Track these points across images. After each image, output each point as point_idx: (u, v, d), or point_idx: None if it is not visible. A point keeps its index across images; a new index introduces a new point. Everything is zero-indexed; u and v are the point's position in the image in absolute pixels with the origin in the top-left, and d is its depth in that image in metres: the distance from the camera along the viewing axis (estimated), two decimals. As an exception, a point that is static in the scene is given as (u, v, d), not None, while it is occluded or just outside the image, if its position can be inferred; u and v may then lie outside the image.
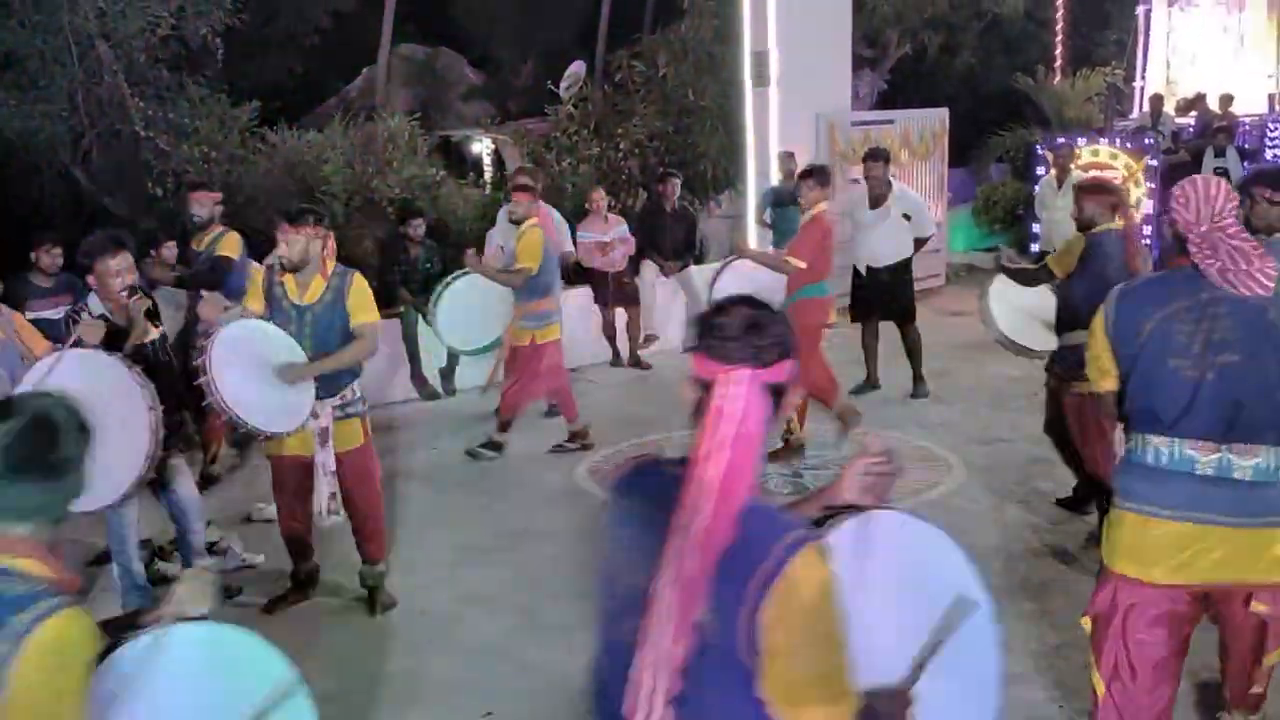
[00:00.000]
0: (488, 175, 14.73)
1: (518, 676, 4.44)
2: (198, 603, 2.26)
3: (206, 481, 6.70)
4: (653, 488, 1.91)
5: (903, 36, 18.04)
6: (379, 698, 4.38)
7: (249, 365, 4.67)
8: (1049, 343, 5.60)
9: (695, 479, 1.77)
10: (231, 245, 6.95)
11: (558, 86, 13.70)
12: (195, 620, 2.25)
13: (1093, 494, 5.58)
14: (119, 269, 4.76)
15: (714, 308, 1.96)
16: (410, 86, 18.78)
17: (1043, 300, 5.68)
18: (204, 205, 7.19)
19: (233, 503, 6.62)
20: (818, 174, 7.20)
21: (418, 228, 8.75)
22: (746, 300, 1.96)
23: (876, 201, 8.37)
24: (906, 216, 8.35)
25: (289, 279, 4.92)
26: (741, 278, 7.18)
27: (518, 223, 7.22)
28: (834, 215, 7.41)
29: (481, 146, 15.88)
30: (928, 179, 11.96)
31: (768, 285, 6.87)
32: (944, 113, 12.40)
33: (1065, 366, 5.27)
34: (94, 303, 4.87)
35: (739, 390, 1.81)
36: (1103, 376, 3.26)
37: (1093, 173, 11.23)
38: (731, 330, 1.87)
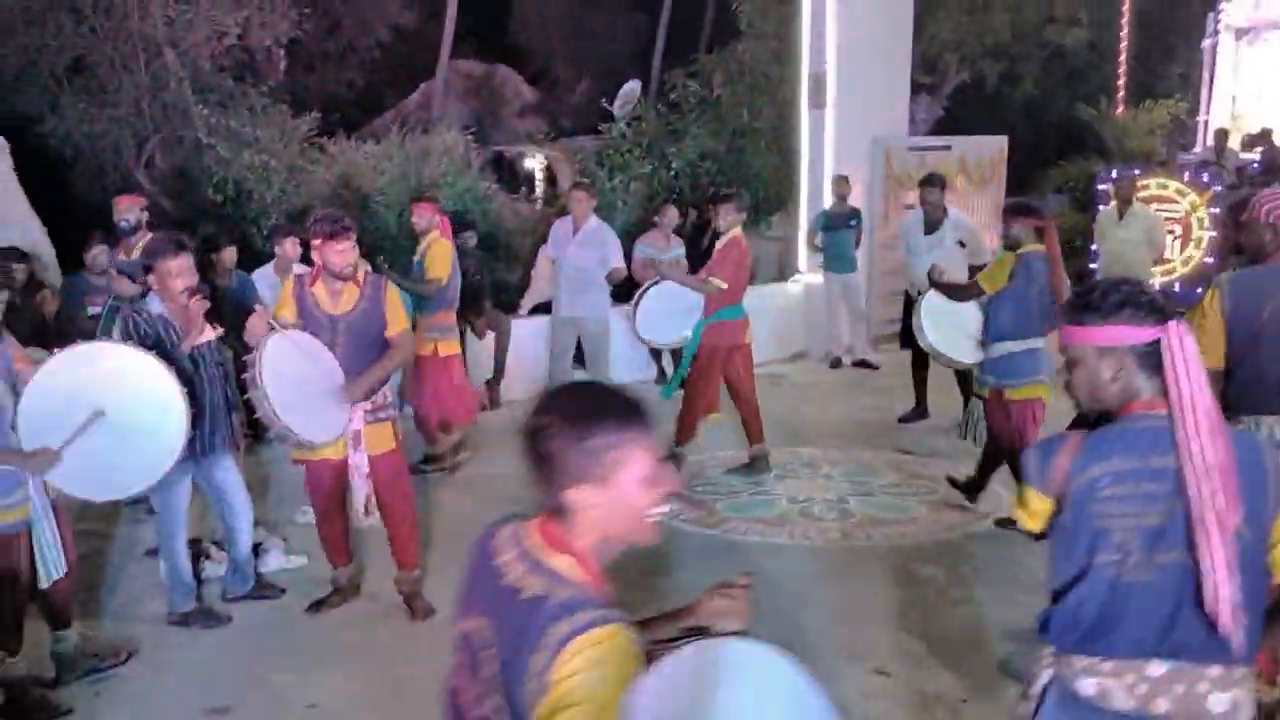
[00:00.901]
0: (539, 190, 14.81)
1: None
2: (731, 618, 2.13)
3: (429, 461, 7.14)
4: None
5: (961, 64, 17.94)
6: (420, 706, 4.35)
7: (294, 377, 4.69)
8: (975, 355, 6.10)
9: None
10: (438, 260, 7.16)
11: (612, 104, 13.76)
12: (737, 636, 2.10)
13: (981, 486, 6.34)
14: (180, 270, 4.82)
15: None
16: (466, 101, 18.94)
17: (972, 315, 6.07)
18: (131, 211, 7.32)
19: (277, 505, 6.67)
20: (736, 199, 7.43)
21: (469, 239, 8.79)
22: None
23: (931, 227, 8.30)
24: (961, 243, 8.27)
25: (319, 289, 4.95)
26: (666, 297, 7.29)
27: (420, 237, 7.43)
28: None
29: (534, 162, 15.97)
30: (984, 207, 11.84)
31: (692, 305, 7.10)
32: (1003, 140, 12.28)
33: (998, 376, 5.86)
34: (154, 303, 4.93)
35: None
36: (1209, 353, 3.34)
37: (1155, 205, 11.14)
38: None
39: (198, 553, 5.60)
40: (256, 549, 5.65)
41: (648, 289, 7.46)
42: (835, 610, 5.18)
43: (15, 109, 10.72)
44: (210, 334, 4.93)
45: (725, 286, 6.87)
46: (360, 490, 4.95)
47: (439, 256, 7.17)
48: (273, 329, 4.72)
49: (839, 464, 7.34)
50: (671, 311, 7.27)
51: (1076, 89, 18.84)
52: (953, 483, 6.57)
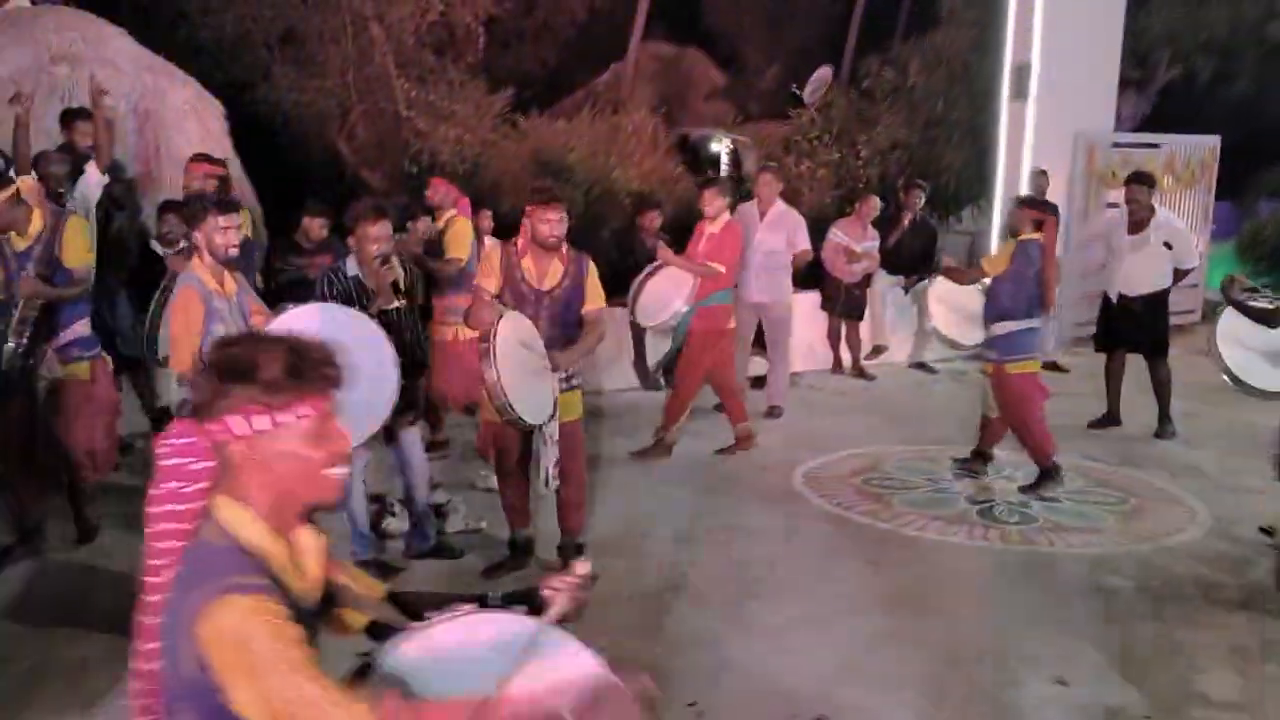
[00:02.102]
0: (724, 173, 14.75)
1: (723, 672, 4.39)
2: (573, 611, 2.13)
3: (433, 448, 6.92)
4: None
5: (1173, 59, 17.06)
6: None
7: (516, 360, 4.79)
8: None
9: None
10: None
11: (801, 90, 13.59)
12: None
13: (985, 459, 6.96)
14: (378, 235, 4.99)
15: None
16: (655, 83, 18.99)
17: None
18: (196, 179, 6.65)
19: (461, 469, 6.85)
20: (719, 184, 7.58)
21: (653, 220, 8.82)
22: None
23: (1136, 227, 7.92)
24: (1167, 245, 7.87)
25: (528, 262, 5.03)
26: (667, 281, 7.27)
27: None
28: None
29: (720, 146, 15.92)
30: (1191, 209, 11.26)
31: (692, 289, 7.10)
32: (1215, 140, 11.65)
33: (1001, 352, 6.47)
34: (349, 265, 5.11)
35: None
36: None
37: None
38: None
39: (382, 508, 5.79)
40: (441, 509, 5.81)
41: (649, 274, 7.44)
42: (1014, 615, 5.00)
43: (231, 76, 11.26)
44: (397, 302, 5.10)
45: (723, 270, 7.03)
46: (550, 456, 5.02)
47: (460, 236, 7.00)
48: (501, 315, 4.79)
49: (1022, 466, 7.09)
50: (667, 295, 7.28)
51: (1296, 89, 17.69)
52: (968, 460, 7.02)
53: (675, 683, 4.29)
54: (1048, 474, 6.60)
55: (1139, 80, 17.03)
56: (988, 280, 6.72)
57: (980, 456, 7.04)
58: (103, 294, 6.61)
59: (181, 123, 8.74)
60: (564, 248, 5.08)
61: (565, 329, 5.01)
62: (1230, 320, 5.98)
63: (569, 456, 5.14)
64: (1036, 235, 6.41)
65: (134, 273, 7.00)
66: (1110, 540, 5.98)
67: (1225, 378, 6.10)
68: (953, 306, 7.92)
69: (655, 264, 7.50)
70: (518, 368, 4.72)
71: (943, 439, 7.71)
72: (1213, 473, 7.15)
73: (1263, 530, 5.82)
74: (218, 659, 1.69)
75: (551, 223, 4.94)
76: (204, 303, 4.51)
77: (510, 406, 4.66)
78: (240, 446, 1.80)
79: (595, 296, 5.11)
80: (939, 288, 7.31)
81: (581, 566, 2.15)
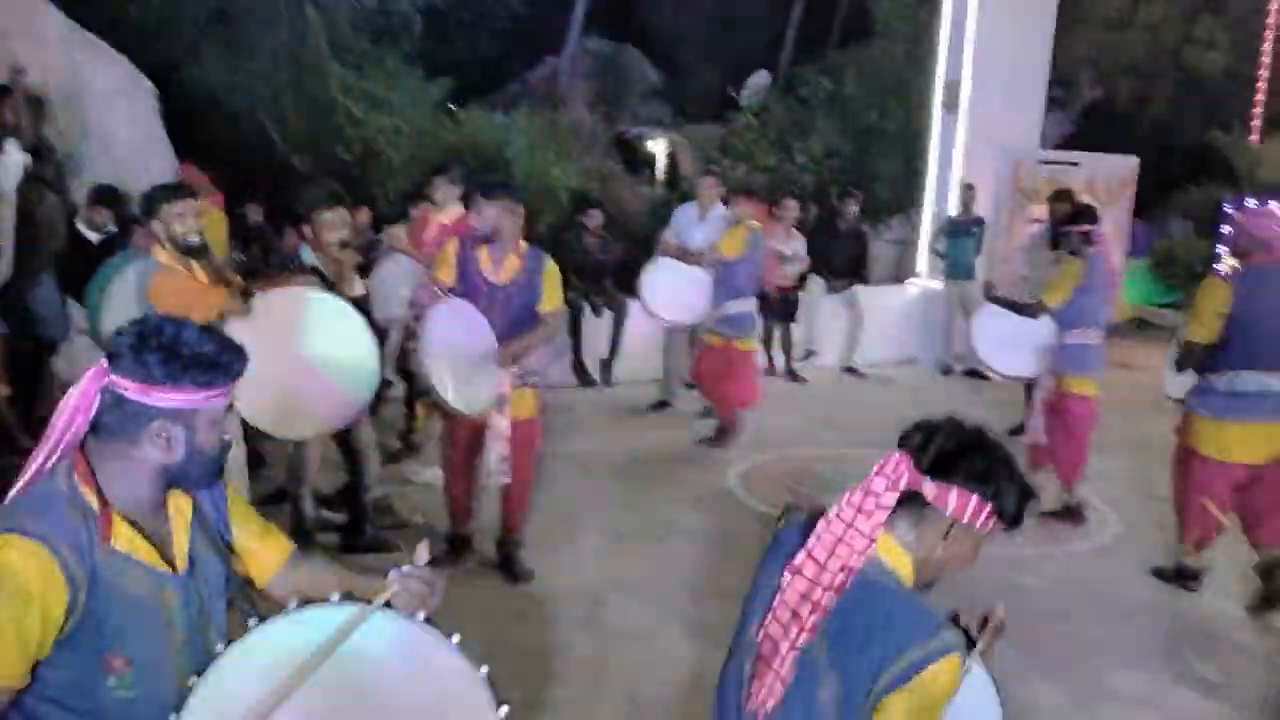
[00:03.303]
0: (659, 174, 14.85)
1: (660, 665, 4.48)
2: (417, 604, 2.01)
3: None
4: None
5: (1095, 80, 17.57)
6: (520, 671, 4.45)
7: (453, 345, 4.81)
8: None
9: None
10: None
11: (738, 93, 13.74)
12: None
13: None
14: (334, 222, 4.97)
15: None
16: (591, 80, 19.00)
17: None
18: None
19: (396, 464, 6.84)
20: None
21: (595, 218, 8.88)
22: None
23: (1056, 243, 8.17)
24: None
25: (483, 254, 5.03)
26: (671, 272, 7.57)
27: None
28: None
29: (656, 146, 16.01)
30: (1109, 227, 11.60)
31: (697, 280, 7.42)
32: (1134, 161, 12.00)
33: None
34: (306, 254, 5.08)
35: None
36: None
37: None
38: None
39: (320, 500, 5.76)
40: (380, 503, 5.80)
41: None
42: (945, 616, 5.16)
43: (160, 56, 11.03)
44: (360, 288, 5.08)
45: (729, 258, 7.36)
46: (496, 451, 5.03)
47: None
48: (438, 297, 4.83)
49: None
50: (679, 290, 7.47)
51: (1211, 114, 18.31)
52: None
53: (613, 676, 4.37)
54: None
55: (1062, 100, 17.52)
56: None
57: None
58: (26, 275, 6.51)
59: (112, 102, 8.56)
60: (518, 244, 5.09)
61: (517, 325, 5.00)
62: (982, 319, 6.65)
63: (519, 453, 5.16)
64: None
65: (59, 255, 6.84)
66: (1025, 543, 6.18)
67: (983, 367, 6.81)
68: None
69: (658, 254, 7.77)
70: (456, 355, 4.76)
71: (873, 442, 7.87)
72: (1123, 480, 7.41)
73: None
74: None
75: (491, 217, 4.95)
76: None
77: (437, 389, 4.71)
78: None
79: (552, 295, 5.10)
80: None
81: (421, 553, 2.04)
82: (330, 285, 4.95)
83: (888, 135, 12.46)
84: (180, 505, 2.03)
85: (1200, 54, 17.40)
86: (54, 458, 1.90)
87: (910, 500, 2.00)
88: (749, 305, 7.61)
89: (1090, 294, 6.27)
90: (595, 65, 19.47)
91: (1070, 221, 6.48)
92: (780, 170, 12.02)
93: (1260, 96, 17.65)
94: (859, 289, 10.02)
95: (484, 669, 1.94)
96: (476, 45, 16.90)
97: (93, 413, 1.89)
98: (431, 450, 6.26)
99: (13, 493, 1.90)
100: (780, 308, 9.63)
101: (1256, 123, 17.55)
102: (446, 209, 6.91)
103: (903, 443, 2.05)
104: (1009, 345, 6.44)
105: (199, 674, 1.83)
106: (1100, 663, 4.73)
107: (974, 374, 10.27)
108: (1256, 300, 4.88)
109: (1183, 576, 5.53)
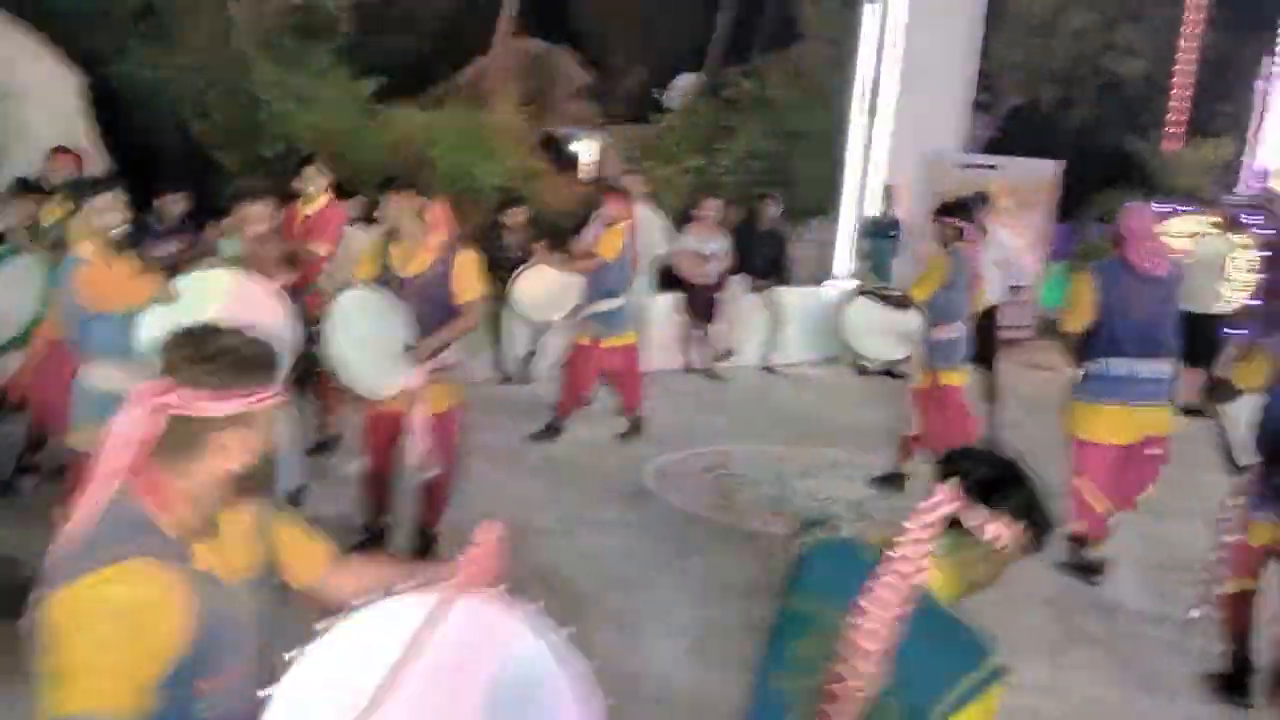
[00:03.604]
0: (586, 174, 14.92)
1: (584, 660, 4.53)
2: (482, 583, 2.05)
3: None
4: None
5: (1018, 85, 17.92)
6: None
7: (360, 332, 4.85)
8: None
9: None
10: None
11: (664, 95, 13.86)
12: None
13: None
14: (258, 216, 5.00)
15: None
16: (521, 79, 18.99)
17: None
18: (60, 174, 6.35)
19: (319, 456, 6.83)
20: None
21: (515, 216, 8.90)
22: None
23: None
24: (993, 264, 8.29)
25: (396, 248, 5.09)
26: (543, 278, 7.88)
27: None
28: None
29: (582, 146, 16.07)
30: (1029, 230, 11.88)
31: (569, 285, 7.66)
32: (1054, 165, 12.28)
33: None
34: (225, 247, 5.10)
35: None
36: None
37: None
38: None
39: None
40: (300, 492, 5.80)
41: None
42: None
43: (88, 48, 10.87)
44: (282, 279, 5.11)
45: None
46: (417, 445, 5.07)
47: None
48: (345, 286, 4.89)
49: (862, 468, 7.42)
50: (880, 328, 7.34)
51: (1130, 120, 18.78)
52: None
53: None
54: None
55: (986, 104, 17.85)
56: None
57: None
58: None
59: (37, 96, 8.46)
60: (434, 238, 5.12)
61: (427, 317, 5.04)
62: (854, 312, 7.22)
63: (437, 447, 5.19)
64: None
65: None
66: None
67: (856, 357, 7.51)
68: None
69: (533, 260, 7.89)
70: (363, 340, 4.81)
71: (788, 439, 8.01)
72: (1034, 479, 7.58)
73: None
74: None
75: (392, 210, 5.06)
76: None
77: (337, 372, 4.76)
78: None
79: (466, 289, 5.12)
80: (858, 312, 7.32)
81: (484, 531, 2.09)
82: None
83: (811, 137, 12.63)
84: (238, 513, 1.99)
85: (1120, 60, 17.82)
86: (108, 490, 1.82)
87: (952, 526, 2.11)
88: (620, 302, 7.58)
89: (956, 290, 6.49)
90: (524, 64, 19.46)
91: (945, 213, 6.69)
92: (706, 171, 12.13)
93: (1175, 104, 18.18)
94: (778, 289, 10.14)
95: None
96: (405, 44, 16.84)
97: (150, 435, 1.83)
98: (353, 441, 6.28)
99: (75, 533, 1.80)
100: (701, 306, 9.73)
101: (1173, 129, 18.07)
102: (316, 199, 6.86)
103: (947, 470, 2.17)
104: (875, 333, 7.05)
105: (272, 682, 1.81)
106: (1007, 651, 4.84)
107: (889, 374, 10.46)
108: (1117, 291, 5.27)
109: (1085, 570, 5.73)
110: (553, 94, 19.72)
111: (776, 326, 10.35)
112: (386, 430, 5.22)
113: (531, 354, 9.14)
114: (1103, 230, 15.99)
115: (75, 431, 4.46)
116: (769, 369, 10.39)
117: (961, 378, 6.73)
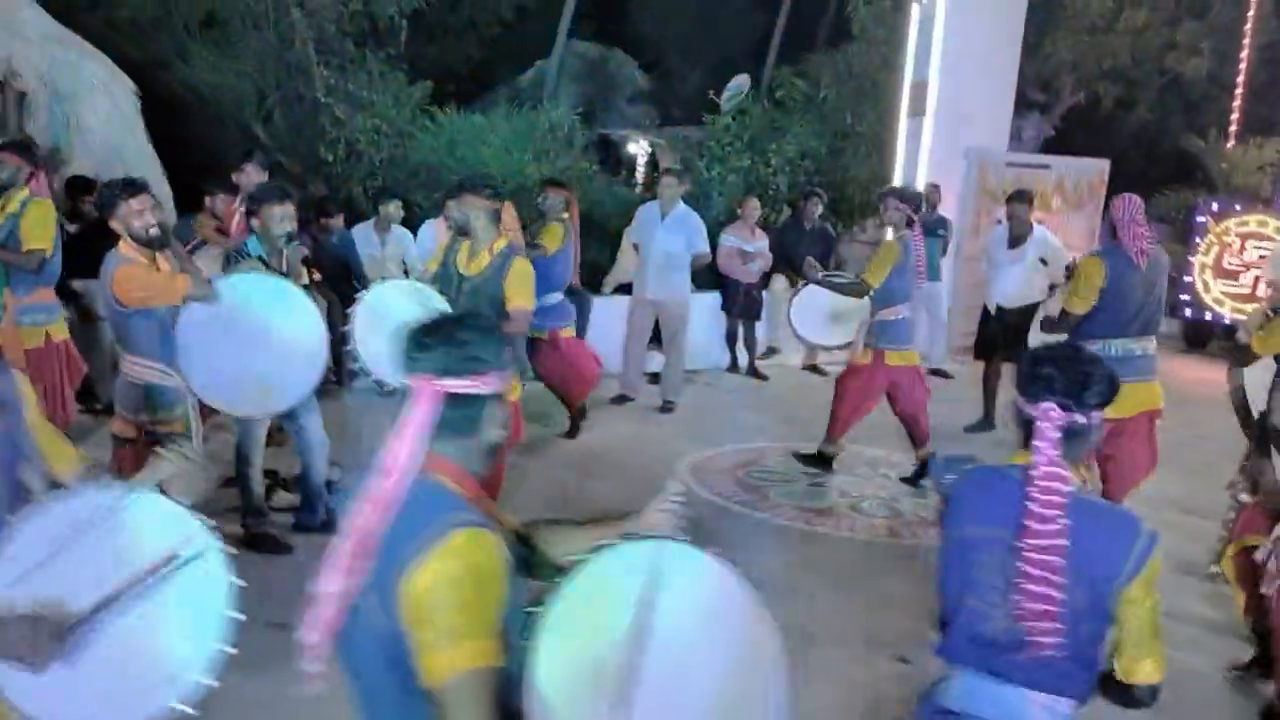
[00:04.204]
0: (640, 175, 15.06)
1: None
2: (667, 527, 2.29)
3: None
4: None
5: (1077, 84, 17.74)
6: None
7: (393, 325, 5.04)
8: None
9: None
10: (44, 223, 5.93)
11: (719, 97, 13.91)
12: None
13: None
14: (282, 216, 5.18)
15: None
16: (579, 83, 19.24)
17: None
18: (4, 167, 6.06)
19: (354, 448, 7.03)
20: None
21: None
22: None
23: (1015, 242, 8.38)
24: (1043, 261, 8.32)
25: (464, 246, 5.27)
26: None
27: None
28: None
29: (638, 148, 16.22)
30: (1079, 229, 11.80)
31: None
32: (1104, 164, 12.17)
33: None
34: (254, 245, 5.29)
35: None
36: None
37: (1252, 242, 11.03)
38: None
39: (274, 484, 5.97)
40: (331, 486, 6.00)
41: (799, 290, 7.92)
42: (868, 601, 5.36)
43: (147, 55, 11.26)
44: (304, 278, 5.30)
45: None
46: None
47: (39, 221, 5.91)
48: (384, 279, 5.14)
49: (898, 466, 7.48)
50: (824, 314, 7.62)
51: (1191, 118, 18.49)
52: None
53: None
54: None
55: (1044, 104, 17.70)
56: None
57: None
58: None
59: (92, 99, 8.80)
60: (498, 241, 5.25)
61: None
62: (804, 296, 7.63)
63: None
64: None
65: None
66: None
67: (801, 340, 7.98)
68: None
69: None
70: (390, 333, 5.00)
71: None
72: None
73: None
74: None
75: (464, 209, 5.20)
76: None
77: (367, 370, 4.97)
78: None
79: (515, 294, 5.19)
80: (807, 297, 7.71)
81: (675, 489, 2.37)
82: (277, 275, 5.18)
83: (862, 137, 12.64)
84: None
85: (1183, 59, 17.55)
86: (409, 473, 2.02)
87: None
88: (559, 296, 7.60)
89: (904, 274, 6.87)
90: (583, 68, 19.70)
91: (898, 199, 7.08)
92: (753, 172, 12.18)
93: (1238, 103, 17.86)
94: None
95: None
96: (465, 49, 17.14)
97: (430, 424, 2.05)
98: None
99: (382, 516, 1.99)
100: (744, 305, 9.82)
101: (1234, 128, 17.74)
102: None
103: (1036, 388, 2.49)
104: (822, 318, 7.54)
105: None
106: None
107: (938, 373, 10.47)
108: (1123, 277, 5.57)
109: None
110: (612, 96, 19.94)
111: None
112: None
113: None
114: (1163, 229, 15.83)
115: (116, 420, 4.71)
116: (813, 368, 10.43)
117: (911, 358, 7.05)
